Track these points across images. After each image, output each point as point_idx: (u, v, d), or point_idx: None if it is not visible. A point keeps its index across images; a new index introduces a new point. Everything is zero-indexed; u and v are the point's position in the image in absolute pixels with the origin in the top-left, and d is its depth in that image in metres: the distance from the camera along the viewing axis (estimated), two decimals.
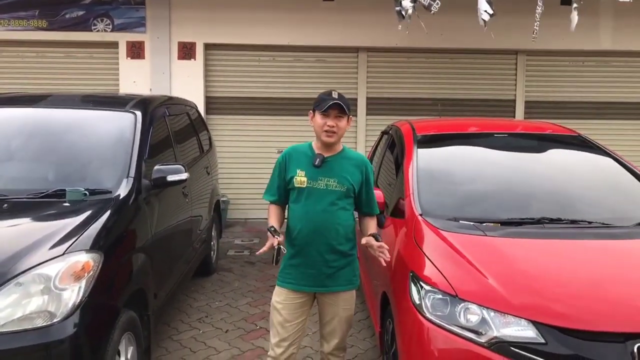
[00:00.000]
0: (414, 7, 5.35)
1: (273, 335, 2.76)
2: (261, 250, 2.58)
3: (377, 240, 2.61)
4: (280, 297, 2.74)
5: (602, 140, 4.27)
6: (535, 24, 5.35)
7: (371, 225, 2.79)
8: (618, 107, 7.72)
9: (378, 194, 3.00)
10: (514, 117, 7.56)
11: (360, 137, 7.52)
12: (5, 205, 3.01)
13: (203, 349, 3.81)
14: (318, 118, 2.65)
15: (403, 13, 5.39)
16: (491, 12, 5.26)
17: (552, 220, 3.00)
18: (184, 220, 4.22)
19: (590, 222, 3.02)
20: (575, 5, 5.54)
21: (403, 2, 5.33)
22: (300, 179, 2.67)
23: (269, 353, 2.79)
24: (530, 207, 3.21)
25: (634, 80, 7.67)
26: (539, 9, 5.35)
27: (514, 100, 7.61)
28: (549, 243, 2.80)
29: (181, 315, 4.36)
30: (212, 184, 5.46)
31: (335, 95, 2.64)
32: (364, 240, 2.61)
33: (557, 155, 3.92)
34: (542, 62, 7.61)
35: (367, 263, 3.84)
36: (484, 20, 5.26)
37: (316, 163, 2.67)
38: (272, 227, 2.63)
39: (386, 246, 2.55)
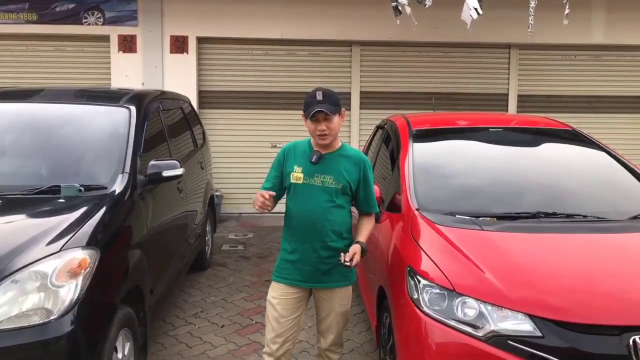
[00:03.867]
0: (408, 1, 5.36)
1: (268, 331, 2.76)
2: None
3: (363, 250, 2.62)
4: (276, 292, 2.74)
5: (595, 134, 4.29)
6: (530, 18, 5.37)
7: (366, 225, 2.76)
8: (611, 101, 7.77)
9: (374, 188, 2.99)
10: (507, 111, 7.60)
11: (354, 131, 7.52)
12: (0, 201, 2.99)
13: (199, 344, 3.81)
14: (309, 123, 2.64)
15: (400, 8, 5.40)
16: (480, 12, 5.28)
17: (547, 215, 3.02)
18: (179, 215, 4.21)
19: (585, 216, 3.04)
20: None
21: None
22: (297, 174, 2.66)
23: (264, 349, 2.79)
24: (526, 201, 3.23)
25: (627, 74, 7.72)
26: (532, 3, 5.37)
27: (507, 94, 7.65)
28: (545, 237, 2.82)
29: (177, 311, 4.35)
30: (206, 179, 5.44)
31: (319, 97, 2.60)
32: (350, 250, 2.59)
33: (551, 150, 3.94)
34: (535, 56, 7.64)
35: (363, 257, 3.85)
36: (471, 17, 5.28)
37: (313, 160, 2.66)
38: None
39: (348, 262, 2.55)
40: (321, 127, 2.61)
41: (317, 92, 2.62)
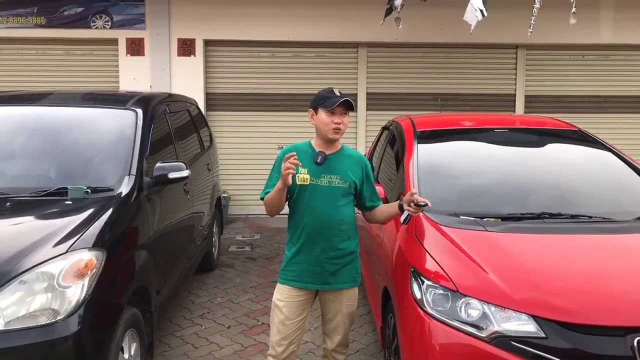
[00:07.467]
0: (403, 3, 5.39)
1: (273, 333, 2.75)
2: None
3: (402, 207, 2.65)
4: (282, 294, 2.74)
5: (603, 134, 4.27)
6: (532, 19, 5.35)
7: (383, 205, 2.83)
8: (618, 101, 7.72)
9: (379, 189, 3.01)
10: (514, 111, 7.57)
11: (360, 132, 7.53)
12: (8, 203, 3.03)
13: (205, 345, 3.83)
14: (323, 116, 2.64)
15: (394, 10, 5.43)
16: (486, 13, 5.28)
17: (552, 215, 3.01)
18: (185, 217, 4.24)
19: (590, 217, 3.03)
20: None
21: (396, 1, 5.36)
22: (303, 176, 2.65)
23: (269, 352, 2.79)
24: (531, 202, 3.22)
25: (634, 74, 7.67)
26: (537, 4, 5.35)
27: (514, 95, 7.62)
28: (550, 238, 2.81)
29: (183, 312, 4.38)
30: (213, 181, 5.47)
31: (338, 93, 2.65)
32: (406, 198, 2.59)
33: (557, 150, 3.93)
34: (542, 56, 7.60)
35: (368, 258, 3.86)
36: (477, 18, 5.28)
37: (318, 160, 2.67)
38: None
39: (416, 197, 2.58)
40: (338, 120, 2.63)
41: (335, 89, 2.68)
